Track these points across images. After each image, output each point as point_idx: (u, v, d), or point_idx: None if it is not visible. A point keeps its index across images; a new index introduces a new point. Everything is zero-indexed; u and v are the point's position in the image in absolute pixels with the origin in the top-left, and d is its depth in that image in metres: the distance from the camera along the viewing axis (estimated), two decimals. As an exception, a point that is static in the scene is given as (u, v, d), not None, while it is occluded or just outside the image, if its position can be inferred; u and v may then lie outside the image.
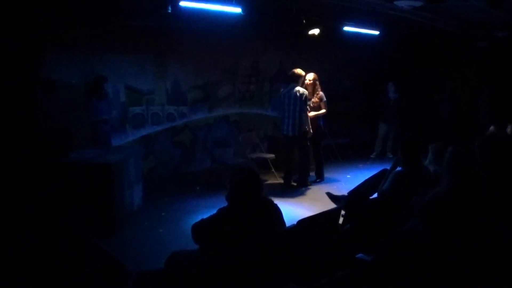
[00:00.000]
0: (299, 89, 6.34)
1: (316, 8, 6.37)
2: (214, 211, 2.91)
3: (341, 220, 3.75)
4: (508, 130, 5.74)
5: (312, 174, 7.00)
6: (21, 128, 4.48)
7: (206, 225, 2.85)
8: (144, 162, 6.56)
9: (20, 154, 4.42)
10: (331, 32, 7.07)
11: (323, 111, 6.81)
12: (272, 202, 3.01)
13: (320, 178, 6.97)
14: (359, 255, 2.94)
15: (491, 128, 6.14)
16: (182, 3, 5.14)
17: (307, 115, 6.39)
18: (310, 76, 6.69)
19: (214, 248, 2.77)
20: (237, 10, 5.46)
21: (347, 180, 6.95)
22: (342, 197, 4.91)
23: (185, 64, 7.28)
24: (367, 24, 7.03)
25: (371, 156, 8.96)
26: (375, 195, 4.26)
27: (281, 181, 6.79)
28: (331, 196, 5.13)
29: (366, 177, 4.70)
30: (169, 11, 5.22)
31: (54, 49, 5.65)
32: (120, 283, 2.45)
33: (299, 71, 6.45)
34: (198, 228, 2.87)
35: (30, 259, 2.23)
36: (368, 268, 2.37)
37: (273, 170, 7.15)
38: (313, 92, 6.73)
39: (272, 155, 7.25)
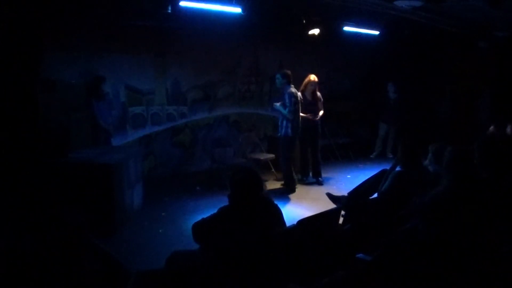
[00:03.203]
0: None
1: (316, 8, 6.37)
2: (214, 211, 2.91)
3: (341, 220, 3.75)
4: (508, 130, 5.73)
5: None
6: (21, 128, 4.47)
7: (207, 225, 2.85)
8: (144, 162, 6.56)
9: (20, 154, 4.42)
10: (331, 32, 7.07)
11: (322, 111, 6.85)
12: (272, 201, 3.01)
13: (319, 178, 6.95)
14: (359, 255, 2.94)
15: (491, 128, 6.13)
16: (182, 3, 5.14)
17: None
18: (316, 78, 6.72)
19: (214, 248, 2.77)
20: (237, 10, 5.46)
21: (347, 180, 6.95)
22: (342, 197, 4.92)
23: (185, 64, 7.28)
24: (367, 24, 7.03)
25: (371, 156, 8.97)
26: (375, 195, 4.27)
27: (280, 181, 6.80)
28: (331, 197, 5.14)
29: (366, 177, 4.70)
30: (169, 11, 5.22)
31: (54, 49, 5.65)
32: (120, 283, 2.45)
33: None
34: (199, 227, 2.87)
35: (30, 259, 2.23)
36: (368, 268, 2.37)
37: (273, 170, 7.15)
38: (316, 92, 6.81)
39: (272, 155, 7.25)
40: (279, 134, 6.40)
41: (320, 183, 6.81)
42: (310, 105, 6.73)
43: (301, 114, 6.54)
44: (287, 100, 6.19)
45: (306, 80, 6.73)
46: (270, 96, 8.53)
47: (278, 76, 6.32)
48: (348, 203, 4.51)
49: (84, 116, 5.92)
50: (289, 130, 6.24)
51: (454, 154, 2.77)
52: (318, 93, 6.81)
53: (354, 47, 8.34)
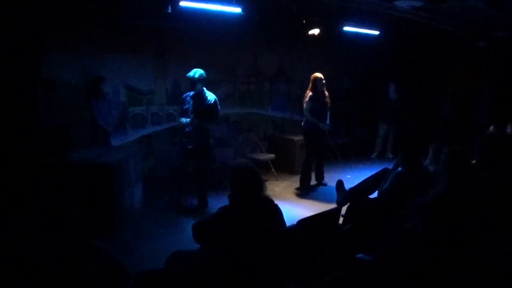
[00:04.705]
0: None
1: (316, 8, 6.36)
2: (214, 211, 2.91)
3: (341, 220, 3.76)
4: (508, 130, 5.74)
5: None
6: (21, 128, 4.47)
7: (207, 224, 2.85)
8: (144, 162, 6.56)
9: (20, 154, 4.41)
10: (331, 32, 7.07)
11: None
12: (272, 201, 3.01)
13: (322, 181, 6.91)
14: (359, 255, 2.94)
15: (491, 128, 6.14)
16: (182, 3, 5.13)
17: None
18: (321, 75, 6.43)
19: (215, 247, 2.77)
20: (237, 10, 5.46)
21: (347, 180, 6.89)
22: (344, 191, 4.94)
23: (185, 64, 7.26)
24: (367, 24, 7.03)
25: (372, 156, 8.97)
26: (376, 194, 4.28)
27: (279, 181, 6.79)
28: (339, 183, 5.12)
29: (366, 177, 4.71)
30: (169, 11, 5.21)
31: (54, 49, 5.65)
32: (120, 283, 2.45)
33: None
34: (199, 227, 2.87)
35: (30, 259, 2.23)
36: (368, 268, 2.37)
37: (273, 170, 7.15)
38: None
39: (272, 155, 7.26)
40: (193, 146, 5.44)
41: (324, 185, 6.78)
42: (323, 107, 6.40)
43: (310, 119, 6.34)
44: (214, 107, 5.43)
45: (312, 79, 6.37)
46: (270, 96, 8.54)
47: (197, 78, 5.34)
48: (347, 199, 4.54)
49: (84, 116, 5.92)
50: (210, 140, 5.65)
51: (450, 154, 2.77)
52: (327, 93, 6.49)
53: (354, 47, 8.34)
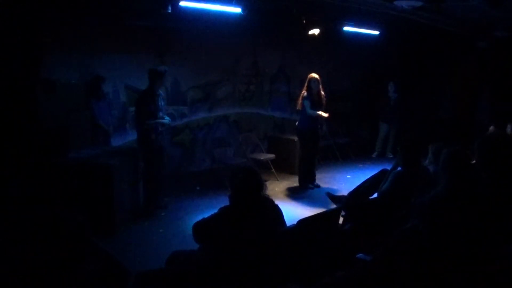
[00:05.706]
0: None
1: (316, 8, 6.36)
2: (215, 211, 2.91)
3: (341, 220, 3.76)
4: (508, 130, 5.75)
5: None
6: (21, 128, 4.47)
7: (207, 224, 2.85)
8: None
9: (20, 154, 4.42)
10: (331, 32, 7.07)
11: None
12: (273, 201, 3.01)
13: (314, 183, 6.85)
14: (359, 255, 2.94)
15: (491, 128, 6.14)
16: (182, 3, 5.14)
17: None
18: (316, 75, 6.43)
19: (215, 248, 2.77)
20: (237, 10, 5.46)
21: (347, 180, 6.95)
22: (342, 197, 4.93)
23: (185, 64, 7.27)
24: (367, 24, 7.03)
25: (372, 156, 8.97)
26: (375, 195, 4.27)
27: (279, 181, 6.78)
28: (331, 197, 5.14)
29: (366, 177, 4.71)
30: (169, 11, 5.21)
31: (54, 49, 5.64)
32: (120, 283, 2.45)
33: None
34: (199, 227, 2.87)
35: (29, 259, 2.23)
36: (368, 268, 2.37)
37: (273, 170, 7.15)
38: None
39: (272, 155, 7.26)
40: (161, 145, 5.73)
41: (318, 186, 6.75)
42: (319, 108, 6.36)
43: (313, 113, 6.29)
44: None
45: (307, 79, 6.40)
46: (270, 96, 8.54)
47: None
48: (348, 203, 4.51)
49: (84, 116, 5.92)
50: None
51: (450, 154, 2.77)
52: (323, 93, 6.47)
53: (354, 47, 8.34)
